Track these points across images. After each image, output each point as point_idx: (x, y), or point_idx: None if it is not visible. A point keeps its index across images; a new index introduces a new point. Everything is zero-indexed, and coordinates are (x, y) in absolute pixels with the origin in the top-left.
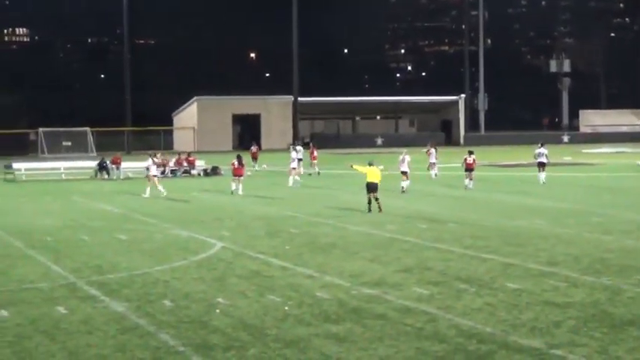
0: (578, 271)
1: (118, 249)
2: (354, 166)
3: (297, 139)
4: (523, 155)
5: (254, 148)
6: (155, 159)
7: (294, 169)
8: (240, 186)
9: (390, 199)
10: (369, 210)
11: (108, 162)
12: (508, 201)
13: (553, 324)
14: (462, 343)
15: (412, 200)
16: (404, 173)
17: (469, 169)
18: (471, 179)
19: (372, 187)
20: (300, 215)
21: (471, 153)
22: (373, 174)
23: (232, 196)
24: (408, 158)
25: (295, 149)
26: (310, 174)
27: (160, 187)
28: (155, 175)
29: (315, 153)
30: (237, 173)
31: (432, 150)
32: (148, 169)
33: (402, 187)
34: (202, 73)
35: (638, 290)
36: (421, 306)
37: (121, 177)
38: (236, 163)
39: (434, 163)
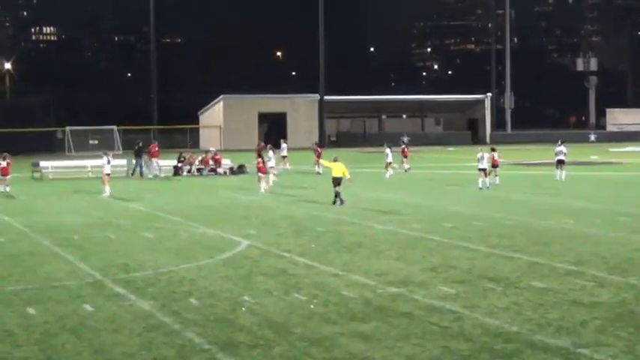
0: (605, 270)
1: (144, 247)
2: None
3: (322, 137)
4: (549, 154)
5: (260, 144)
6: (109, 157)
7: (272, 167)
8: (263, 183)
9: (416, 198)
10: (342, 203)
11: (145, 155)
12: (534, 200)
13: (579, 323)
14: (487, 342)
15: (437, 199)
16: (482, 170)
17: (495, 165)
18: (496, 175)
19: (336, 181)
20: (326, 214)
21: (493, 150)
22: (338, 169)
23: (258, 194)
24: (487, 155)
25: (273, 149)
26: (319, 173)
27: (107, 188)
28: (108, 174)
29: (321, 153)
30: (261, 171)
31: (387, 150)
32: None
33: (483, 185)
34: (229, 71)
35: None
36: (447, 305)
37: (156, 173)
38: (260, 160)
39: (390, 163)
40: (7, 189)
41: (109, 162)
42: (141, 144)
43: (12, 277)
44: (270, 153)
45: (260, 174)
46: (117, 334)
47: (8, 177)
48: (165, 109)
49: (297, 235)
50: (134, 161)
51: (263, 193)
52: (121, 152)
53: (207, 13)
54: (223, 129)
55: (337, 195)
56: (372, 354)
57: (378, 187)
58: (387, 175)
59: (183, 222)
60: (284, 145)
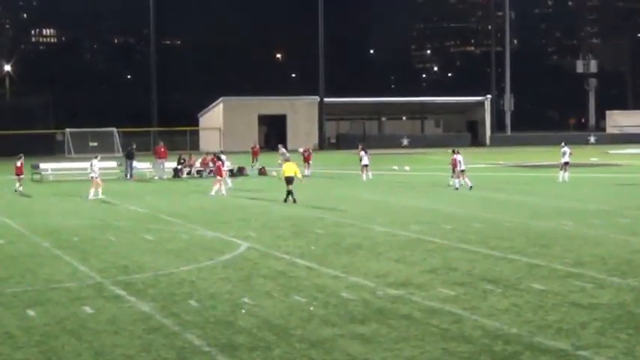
0: (605, 272)
1: (144, 249)
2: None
3: (322, 139)
4: (549, 156)
5: (255, 146)
6: (95, 160)
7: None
8: (217, 186)
9: (415, 200)
10: (286, 200)
11: (156, 159)
12: (534, 202)
13: (579, 325)
14: (487, 344)
15: (436, 200)
16: (463, 172)
17: (455, 167)
18: (458, 178)
19: (289, 180)
20: (326, 216)
21: (455, 151)
22: (290, 168)
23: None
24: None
25: (224, 154)
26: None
27: (92, 191)
28: (94, 177)
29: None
30: (219, 174)
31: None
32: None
33: (462, 185)
34: (229, 73)
35: None
36: (447, 307)
37: (160, 175)
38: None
39: (366, 166)
40: (20, 187)
41: (93, 164)
42: (134, 146)
43: (12, 279)
44: (223, 157)
45: (218, 177)
46: (117, 336)
47: (21, 176)
48: (164, 110)
49: (296, 236)
50: (126, 163)
51: (213, 196)
52: (120, 154)
53: (208, 13)
54: (223, 131)
55: (290, 193)
56: (371, 356)
57: (376, 189)
58: (364, 177)
59: (183, 224)
60: (283, 150)
